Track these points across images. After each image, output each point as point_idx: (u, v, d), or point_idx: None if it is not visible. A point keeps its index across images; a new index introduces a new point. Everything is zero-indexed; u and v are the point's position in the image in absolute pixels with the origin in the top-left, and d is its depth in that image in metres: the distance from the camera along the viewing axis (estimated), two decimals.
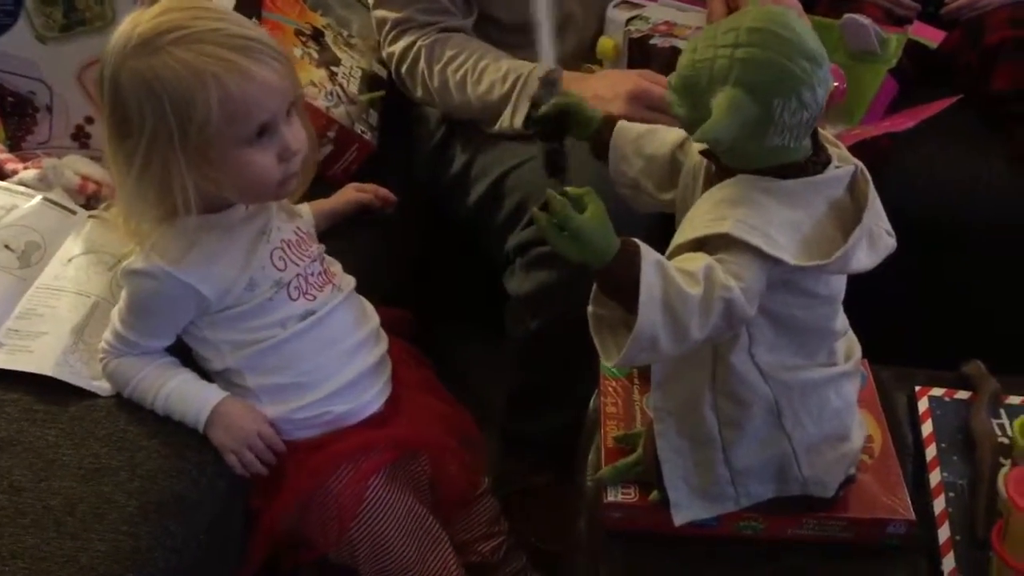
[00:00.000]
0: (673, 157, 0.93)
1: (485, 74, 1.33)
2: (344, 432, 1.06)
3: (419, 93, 1.43)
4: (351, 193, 1.32)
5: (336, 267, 1.12)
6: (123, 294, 1.01)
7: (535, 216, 0.77)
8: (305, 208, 1.21)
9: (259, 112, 0.94)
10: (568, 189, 0.77)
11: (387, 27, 1.42)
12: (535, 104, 0.91)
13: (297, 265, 1.05)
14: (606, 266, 0.76)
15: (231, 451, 1.02)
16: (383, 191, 1.34)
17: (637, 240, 0.77)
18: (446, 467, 1.13)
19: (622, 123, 0.96)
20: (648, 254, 0.76)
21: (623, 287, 0.75)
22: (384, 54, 1.45)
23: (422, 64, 1.39)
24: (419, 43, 1.39)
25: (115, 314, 1.03)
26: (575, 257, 0.76)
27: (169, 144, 0.92)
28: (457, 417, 1.17)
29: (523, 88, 1.30)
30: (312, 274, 1.06)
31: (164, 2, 0.96)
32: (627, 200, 0.97)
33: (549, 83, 0.88)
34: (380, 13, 1.43)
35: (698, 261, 0.77)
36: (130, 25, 0.94)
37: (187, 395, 1.02)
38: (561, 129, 0.94)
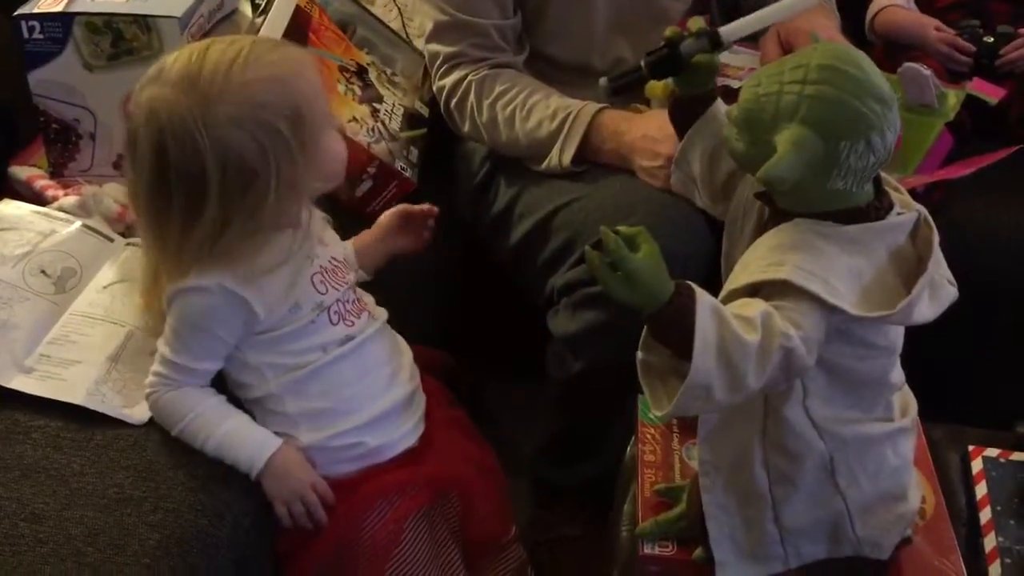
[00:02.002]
0: (729, 180, 0.90)
1: (534, 111, 1.32)
2: (379, 470, 1.05)
3: (467, 128, 1.41)
4: (384, 218, 1.25)
5: (368, 298, 1.12)
6: (170, 319, 1.00)
7: (587, 255, 0.75)
8: (348, 244, 1.20)
9: (325, 97, 1.01)
10: (621, 228, 0.75)
11: (439, 61, 1.41)
12: (674, 43, 0.90)
13: (337, 290, 1.05)
14: (659, 310, 0.74)
15: (283, 502, 1.00)
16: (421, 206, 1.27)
17: (692, 283, 0.75)
18: (476, 508, 1.10)
19: (714, 111, 0.91)
20: (703, 298, 0.74)
21: (676, 332, 0.73)
22: (434, 88, 1.44)
23: (471, 99, 1.37)
24: (470, 78, 1.37)
25: (161, 344, 1.01)
26: (627, 299, 0.74)
27: (289, 160, 0.94)
28: (487, 459, 1.15)
29: (572, 126, 1.30)
30: (348, 301, 1.07)
31: (192, 54, 0.95)
32: (678, 185, 0.96)
33: (708, 35, 0.88)
34: (433, 47, 1.41)
35: (754, 307, 0.75)
36: (187, 83, 0.92)
37: (243, 439, 1.00)
38: (677, 69, 0.90)
